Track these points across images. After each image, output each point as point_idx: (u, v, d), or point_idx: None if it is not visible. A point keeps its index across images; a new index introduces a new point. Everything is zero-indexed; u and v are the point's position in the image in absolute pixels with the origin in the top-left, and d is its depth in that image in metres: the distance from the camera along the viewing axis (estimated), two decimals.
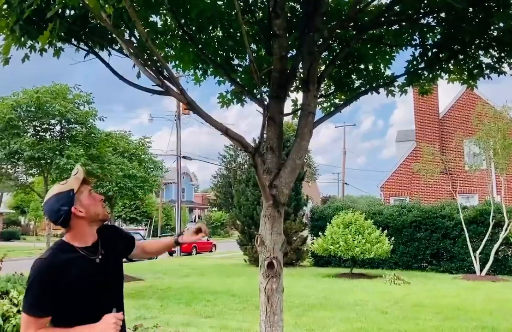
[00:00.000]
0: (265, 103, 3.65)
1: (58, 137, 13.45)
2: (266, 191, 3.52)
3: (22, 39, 3.64)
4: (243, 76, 4.65)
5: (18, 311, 7.21)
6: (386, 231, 18.02)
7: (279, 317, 3.50)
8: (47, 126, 13.32)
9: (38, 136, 13.24)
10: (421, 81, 4.97)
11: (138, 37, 4.00)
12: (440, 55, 4.65)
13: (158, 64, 3.85)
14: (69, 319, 2.31)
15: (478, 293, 13.24)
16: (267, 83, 4.15)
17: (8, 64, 3.75)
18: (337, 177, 69.35)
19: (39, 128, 13.32)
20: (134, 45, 3.82)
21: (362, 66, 4.99)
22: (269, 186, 3.54)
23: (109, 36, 3.99)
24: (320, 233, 18.22)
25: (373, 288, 14.15)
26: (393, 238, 18.06)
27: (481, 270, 17.12)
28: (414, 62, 4.70)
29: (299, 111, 4.10)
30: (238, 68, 4.80)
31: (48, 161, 12.79)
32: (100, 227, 2.58)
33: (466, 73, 4.78)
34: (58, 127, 13.42)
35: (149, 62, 3.50)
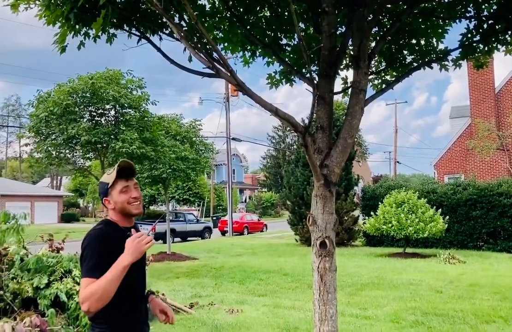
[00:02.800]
0: (315, 82, 3.62)
1: (113, 122, 13.84)
2: (317, 171, 3.51)
3: (77, 27, 3.76)
4: (291, 55, 4.63)
5: None
6: (440, 210, 17.59)
7: (333, 295, 3.51)
8: (102, 111, 13.71)
9: (93, 121, 13.66)
10: (476, 55, 4.79)
11: (187, 21, 4.06)
12: (496, 27, 4.46)
13: (208, 46, 3.90)
14: None
15: None
16: (316, 62, 4.12)
17: (65, 52, 3.90)
18: (389, 155, 68.22)
19: (94, 113, 13.74)
20: (184, 29, 3.88)
21: (413, 41, 4.86)
22: (320, 166, 3.54)
23: (159, 21, 4.06)
24: (372, 213, 18.00)
25: (427, 268, 13.90)
26: (447, 217, 17.62)
27: None
28: (469, 35, 4.53)
29: (350, 89, 4.06)
30: (286, 48, 4.78)
31: (104, 145, 13.21)
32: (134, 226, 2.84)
33: None
34: (112, 112, 13.79)
35: (198, 45, 3.55)
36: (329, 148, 3.59)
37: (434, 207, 17.37)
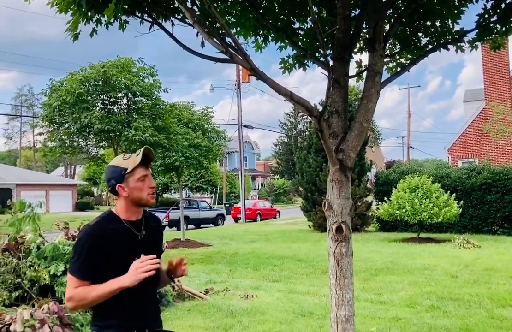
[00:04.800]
0: (330, 65, 3.58)
1: (125, 110, 13.87)
2: (333, 156, 3.48)
3: (89, 14, 3.74)
4: (304, 39, 4.58)
5: None
6: (454, 194, 17.44)
7: (349, 280, 3.49)
8: (115, 99, 13.74)
9: (106, 110, 13.71)
10: (494, 36, 4.70)
11: (199, 5, 4.02)
12: None
13: (220, 31, 3.86)
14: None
15: None
16: (330, 45, 4.07)
17: (78, 39, 3.90)
18: (402, 140, 67.78)
19: (107, 102, 13.78)
20: (196, 13, 3.85)
21: (428, 23, 4.78)
22: (336, 151, 3.51)
23: (172, 6, 4.03)
24: (385, 198, 17.92)
25: (441, 253, 13.83)
26: (462, 202, 17.46)
27: None
28: (486, 16, 4.44)
29: (364, 73, 4.01)
30: (299, 31, 4.73)
31: (117, 133, 13.26)
32: (148, 213, 2.74)
33: None
34: (125, 100, 13.82)
35: (211, 30, 3.52)
36: (344, 132, 3.56)
37: (448, 191, 17.23)
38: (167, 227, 26.54)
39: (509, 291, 8.62)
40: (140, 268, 2.36)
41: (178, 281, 8.95)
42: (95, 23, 3.91)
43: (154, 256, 2.43)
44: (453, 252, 13.88)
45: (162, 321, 2.82)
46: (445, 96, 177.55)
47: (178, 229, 19.35)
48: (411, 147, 54.28)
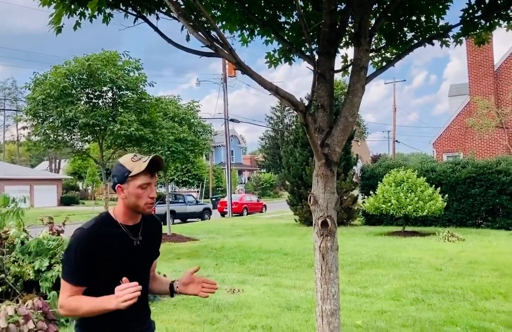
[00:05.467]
0: (315, 60, 3.58)
1: (111, 104, 13.74)
2: (318, 150, 3.48)
3: (72, 6, 3.69)
4: (290, 33, 4.57)
5: None
6: (439, 188, 17.61)
7: (335, 274, 3.50)
8: (99, 93, 13.60)
9: (91, 103, 13.57)
10: (478, 31, 4.73)
11: None
12: (498, 1, 4.41)
13: (206, 25, 3.84)
14: (99, 292, 2.33)
15: None
16: (316, 39, 4.06)
17: (61, 32, 3.85)
18: (387, 135, 68.18)
19: (91, 96, 13.63)
20: (181, 7, 3.82)
21: (414, 18, 4.80)
22: (321, 145, 3.50)
23: None
24: (371, 192, 18.03)
25: (426, 246, 13.97)
26: (446, 195, 17.67)
27: None
28: (470, 11, 4.47)
29: (350, 67, 4.01)
30: (285, 25, 4.72)
31: (102, 127, 13.14)
32: (147, 216, 2.59)
33: None
34: (110, 94, 13.68)
35: (196, 24, 3.50)
36: (330, 127, 3.56)
37: (433, 185, 17.40)
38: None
39: (492, 284, 8.74)
40: (120, 297, 2.21)
41: (165, 275, 8.93)
42: (79, 16, 3.86)
43: (136, 283, 2.24)
44: (438, 245, 14.03)
45: (153, 324, 2.73)
46: (430, 91, 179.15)
47: (165, 223, 19.27)
48: (396, 141, 54.65)
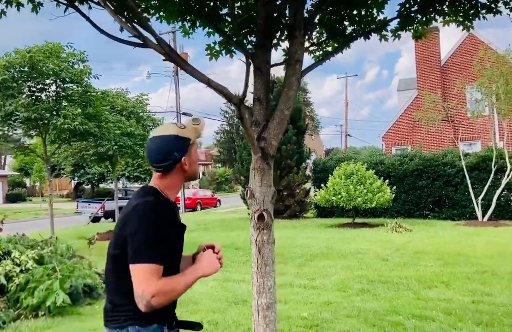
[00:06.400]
0: (250, 52, 3.54)
1: (54, 97, 13.28)
2: (254, 144, 3.45)
3: None
4: (231, 26, 4.52)
5: (21, 271, 7.30)
6: (387, 180, 18.03)
7: (271, 268, 3.49)
8: (42, 86, 13.10)
9: (33, 97, 13.07)
10: (415, 25, 4.81)
11: None
12: None
13: (132, 14, 3.72)
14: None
15: (479, 238, 13.29)
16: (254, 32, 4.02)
17: None
18: (340, 129, 69.21)
19: (34, 89, 13.11)
20: None
21: (355, 12, 4.84)
22: (257, 139, 3.47)
23: None
24: (322, 185, 18.25)
25: (375, 237, 14.25)
26: (394, 187, 18.12)
27: (483, 216, 17.19)
28: (407, 5, 4.54)
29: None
30: (227, 18, 4.66)
31: (46, 121, 12.68)
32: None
33: (461, 14, 4.63)
34: (53, 87, 13.21)
35: (130, 14, 3.39)
36: (266, 120, 3.53)
37: (382, 178, 17.78)
38: (102, 219, 25.89)
39: (436, 273, 8.99)
40: (219, 259, 2.22)
41: None
42: (5, 4, 3.69)
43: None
44: (386, 236, 14.33)
45: None
46: (382, 85, 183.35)
47: (114, 220, 18.88)
48: (348, 135, 55.61)
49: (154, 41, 2.96)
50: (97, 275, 8.04)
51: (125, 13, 3.27)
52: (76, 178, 48.23)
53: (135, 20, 3.26)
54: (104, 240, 14.84)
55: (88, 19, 3.64)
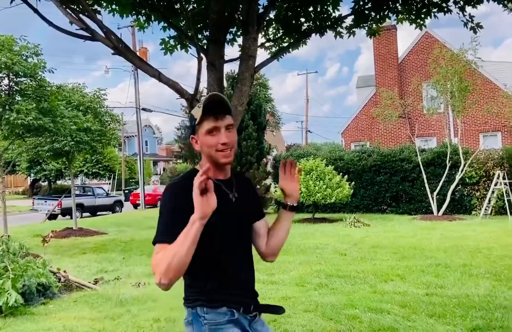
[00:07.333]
0: (204, 48, 3.50)
1: (7, 91, 12.82)
2: None
3: None
4: (185, 21, 4.47)
5: None
6: (347, 176, 18.28)
7: None
8: None
9: None
10: (369, 23, 4.88)
11: None
12: None
13: (92, 8, 3.63)
14: (198, 255, 2.03)
15: (434, 232, 13.65)
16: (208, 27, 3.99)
17: None
18: (301, 125, 69.73)
19: None
20: None
21: (310, 8, 4.86)
22: None
23: None
24: None
25: (333, 232, 14.42)
26: (353, 183, 18.39)
27: (438, 211, 17.65)
28: (361, 3, 4.60)
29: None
30: (184, 12, 4.61)
31: None
32: (238, 173, 2.41)
33: (414, 12, 4.73)
34: (5, 81, 12.75)
35: (80, 7, 3.29)
36: None
37: (341, 173, 18.04)
38: (60, 216, 25.31)
39: (392, 266, 9.17)
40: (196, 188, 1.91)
41: (65, 271, 8.53)
42: None
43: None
44: (344, 231, 14.54)
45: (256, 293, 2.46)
46: (343, 82, 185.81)
47: (72, 217, 18.45)
48: (309, 131, 56.22)
49: (102, 34, 2.88)
50: (51, 273, 7.83)
51: (74, 6, 3.16)
52: (32, 175, 46.84)
53: (85, 13, 3.17)
54: (60, 237, 14.59)
55: (35, 10, 3.52)
